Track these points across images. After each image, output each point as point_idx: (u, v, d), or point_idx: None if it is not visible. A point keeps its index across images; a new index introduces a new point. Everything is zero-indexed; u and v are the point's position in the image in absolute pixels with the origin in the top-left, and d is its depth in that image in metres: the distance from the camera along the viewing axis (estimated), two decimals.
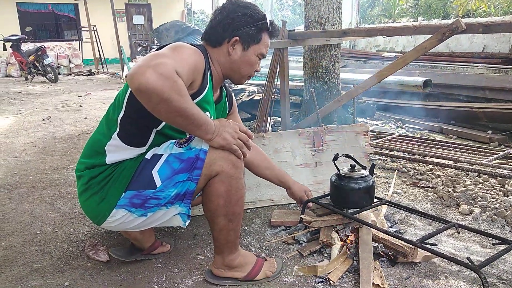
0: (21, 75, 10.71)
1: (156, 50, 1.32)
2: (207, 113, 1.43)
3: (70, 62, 12.12)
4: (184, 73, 1.23)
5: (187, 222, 1.43)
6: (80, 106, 6.06)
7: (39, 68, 9.51)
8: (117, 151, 1.41)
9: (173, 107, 1.17)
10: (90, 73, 11.47)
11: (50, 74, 9.47)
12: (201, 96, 1.38)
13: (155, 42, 12.49)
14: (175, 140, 1.42)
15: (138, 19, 15.91)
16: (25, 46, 10.34)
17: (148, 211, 1.39)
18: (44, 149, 3.58)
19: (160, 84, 1.12)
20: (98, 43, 12.11)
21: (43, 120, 4.95)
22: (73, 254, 1.78)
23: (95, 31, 12.05)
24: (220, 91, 1.65)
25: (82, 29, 14.06)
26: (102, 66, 12.42)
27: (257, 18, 1.48)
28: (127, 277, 1.59)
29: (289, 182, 1.89)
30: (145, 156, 1.39)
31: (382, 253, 1.66)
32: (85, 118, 5.10)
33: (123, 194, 1.37)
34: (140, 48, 12.36)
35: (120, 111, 1.40)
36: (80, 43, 13.41)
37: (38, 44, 10.28)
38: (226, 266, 1.51)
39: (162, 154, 1.38)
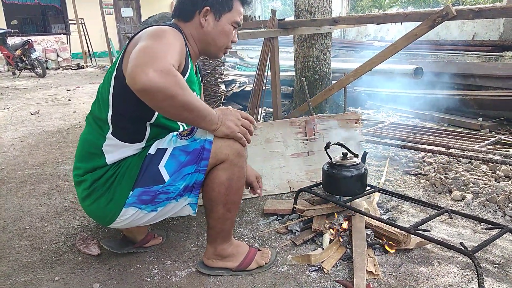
0: (8, 70, 10.52)
1: (134, 35, 1.31)
2: (194, 93, 1.40)
3: (58, 56, 11.92)
4: (177, 62, 1.22)
5: (196, 210, 1.42)
6: (69, 100, 5.97)
7: (27, 62, 9.34)
8: (115, 150, 1.38)
9: (178, 102, 1.15)
10: (79, 66, 11.30)
11: (38, 68, 9.31)
12: (186, 77, 1.35)
13: None
14: (176, 132, 1.40)
15: (127, 12, 15.66)
16: (12, 40, 10.14)
17: (158, 206, 1.37)
18: (33, 144, 3.52)
19: (163, 81, 1.10)
20: (86, 36, 11.93)
21: (31, 114, 4.87)
22: (64, 249, 1.75)
23: (83, 24, 11.86)
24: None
25: (70, 22, 13.82)
26: (91, 60, 12.24)
27: None
28: (119, 270, 1.57)
29: None
30: (149, 152, 1.37)
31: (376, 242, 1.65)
32: (74, 112, 5.03)
33: (131, 192, 1.34)
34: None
35: (108, 110, 1.36)
36: (68, 36, 13.20)
37: (25, 38, 10.10)
38: (218, 255, 1.50)
39: (167, 148, 1.35)
